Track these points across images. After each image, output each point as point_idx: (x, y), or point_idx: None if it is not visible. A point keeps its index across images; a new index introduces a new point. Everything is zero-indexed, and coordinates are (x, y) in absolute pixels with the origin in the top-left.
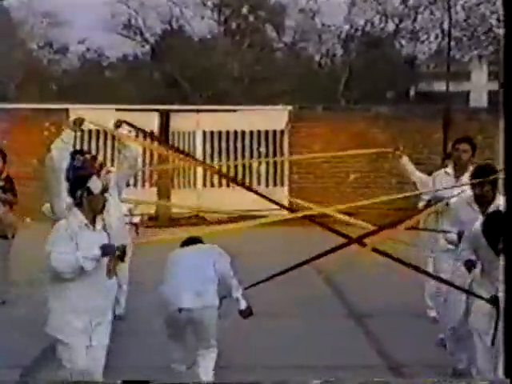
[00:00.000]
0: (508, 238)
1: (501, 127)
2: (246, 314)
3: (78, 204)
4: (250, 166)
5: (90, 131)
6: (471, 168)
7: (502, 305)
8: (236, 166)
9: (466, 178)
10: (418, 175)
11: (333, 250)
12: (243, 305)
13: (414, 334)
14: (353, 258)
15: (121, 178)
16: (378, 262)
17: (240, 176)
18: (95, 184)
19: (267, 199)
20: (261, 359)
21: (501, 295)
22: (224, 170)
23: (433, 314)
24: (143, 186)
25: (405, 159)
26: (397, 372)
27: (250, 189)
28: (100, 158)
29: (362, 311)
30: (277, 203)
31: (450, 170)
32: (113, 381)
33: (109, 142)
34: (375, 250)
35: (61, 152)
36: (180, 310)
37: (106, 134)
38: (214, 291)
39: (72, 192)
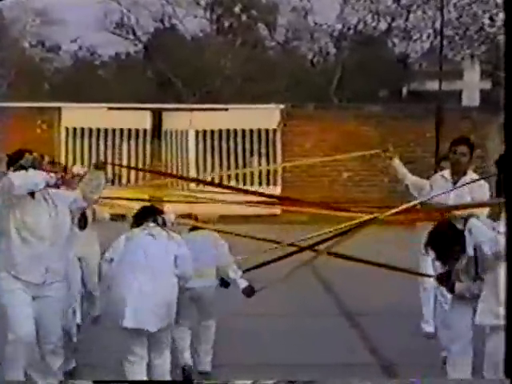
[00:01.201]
0: (508, 237)
1: (494, 127)
2: (248, 292)
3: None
4: (244, 165)
5: (82, 129)
6: (470, 171)
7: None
8: (229, 165)
9: (463, 181)
10: (410, 178)
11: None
12: (243, 284)
13: (406, 333)
14: None
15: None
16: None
17: (233, 175)
18: (169, 217)
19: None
20: (252, 357)
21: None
22: (216, 166)
23: (428, 328)
24: None
25: (396, 161)
26: (389, 370)
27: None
28: (93, 155)
29: (355, 310)
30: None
31: (447, 174)
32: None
33: (101, 138)
34: (330, 253)
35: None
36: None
37: (98, 132)
38: (213, 272)
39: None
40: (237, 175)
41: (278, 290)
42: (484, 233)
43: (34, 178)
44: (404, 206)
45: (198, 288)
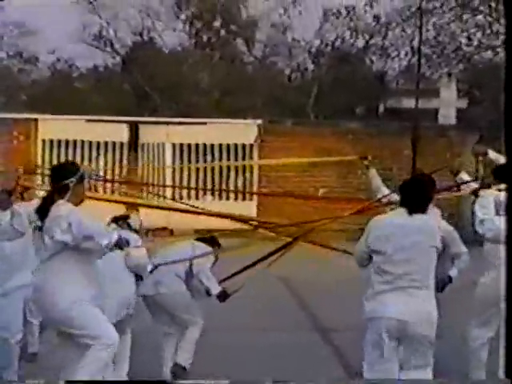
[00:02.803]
0: (508, 237)
1: (470, 145)
2: (222, 297)
3: None
4: (221, 181)
5: (59, 141)
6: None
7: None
8: (205, 180)
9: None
10: (384, 191)
11: (278, 250)
12: (217, 289)
13: None
14: None
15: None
16: (344, 277)
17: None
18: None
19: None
20: (225, 372)
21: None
22: (192, 181)
23: None
24: None
25: (372, 172)
26: None
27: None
28: None
29: (329, 325)
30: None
31: None
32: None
33: (78, 151)
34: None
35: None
36: (143, 296)
37: (75, 144)
38: (174, 280)
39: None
40: (213, 190)
41: (253, 304)
42: None
43: (114, 235)
44: (360, 206)
45: (153, 296)
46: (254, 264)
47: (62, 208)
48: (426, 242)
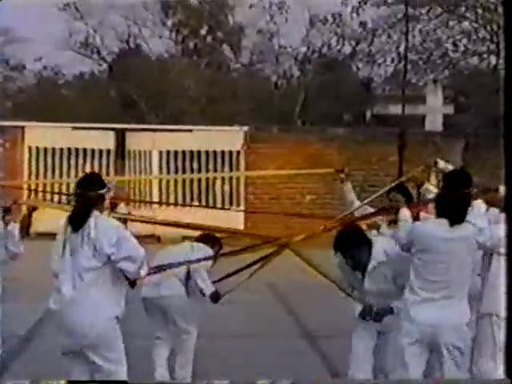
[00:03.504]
0: (508, 239)
1: (457, 152)
2: (214, 297)
3: None
4: (207, 187)
5: (45, 149)
6: None
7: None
8: (192, 188)
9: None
10: (356, 205)
11: (265, 257)
12: (209, 290)
13: None
14: None
15: None
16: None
17: (195, 196)
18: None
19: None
20: (213, 377)
21: (502, 295)
22: (179, 187)
23: None
24: None
25: (348, 186)
26: None
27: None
28: (56, 175)
29: (316, 332)
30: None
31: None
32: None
33: (64, 158)
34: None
35: None
36: (143, 298)
37: (61, 152)
38: (174, 282)
39: None
40: (199, 196)
41: (240, 311)
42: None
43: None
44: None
45: (154, 298)
46: (238, 271)
47: (106, 220)
48: (466, 253)
